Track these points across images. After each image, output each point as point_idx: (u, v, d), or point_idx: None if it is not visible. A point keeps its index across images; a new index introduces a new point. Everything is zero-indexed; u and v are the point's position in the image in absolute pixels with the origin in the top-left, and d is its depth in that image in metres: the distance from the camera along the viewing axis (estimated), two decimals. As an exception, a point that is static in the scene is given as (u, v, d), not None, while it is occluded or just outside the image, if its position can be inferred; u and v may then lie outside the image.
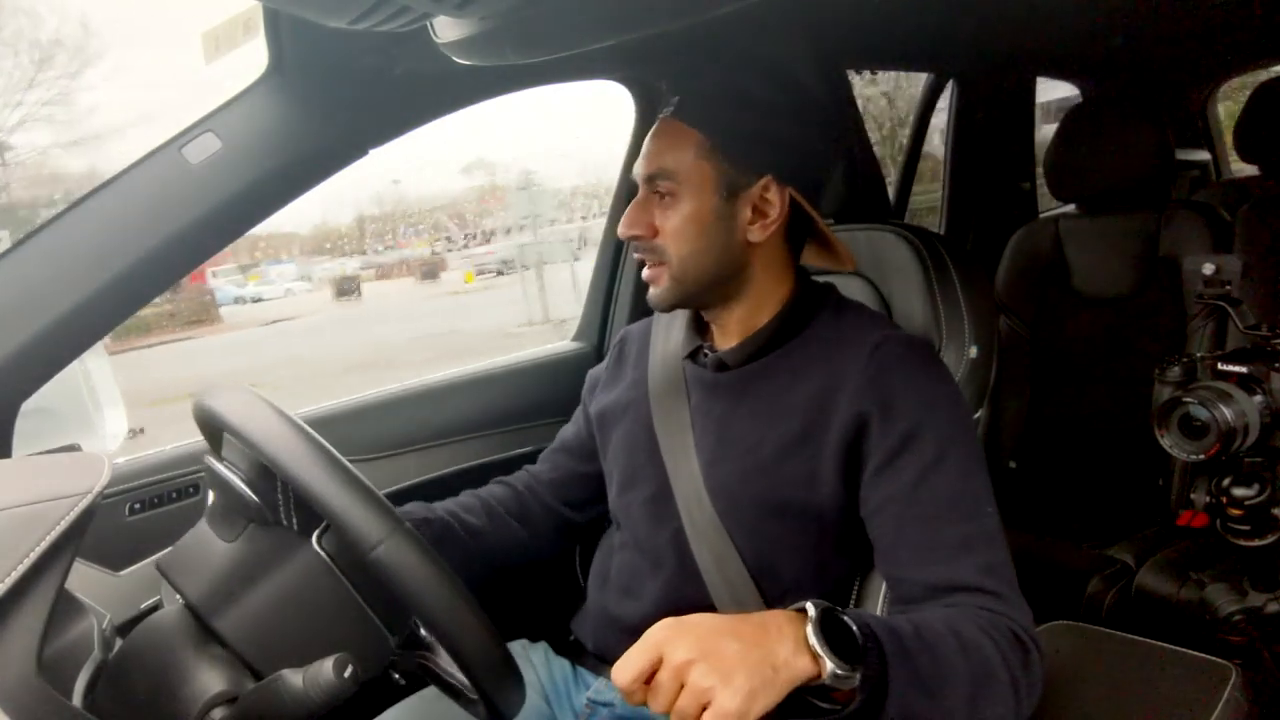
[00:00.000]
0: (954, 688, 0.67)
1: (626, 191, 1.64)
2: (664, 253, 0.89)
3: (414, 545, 0.61)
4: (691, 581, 0.91)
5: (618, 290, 1.67)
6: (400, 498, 1.26)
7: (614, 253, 1.66)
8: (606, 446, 1.05)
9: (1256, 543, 1.13)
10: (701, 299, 0.93)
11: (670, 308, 0.94)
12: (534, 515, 1.10)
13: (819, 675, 0.63)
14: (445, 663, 0.76)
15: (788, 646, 0.63)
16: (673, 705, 0.61)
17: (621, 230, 0.91)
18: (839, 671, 0.63)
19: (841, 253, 0.95)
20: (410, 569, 0.60)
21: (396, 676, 0.80)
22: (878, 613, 0.88)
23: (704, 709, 0.59)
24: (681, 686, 0.60)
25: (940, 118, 2.36)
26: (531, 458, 1.18)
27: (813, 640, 0.63)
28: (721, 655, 0.60)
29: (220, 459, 0.69)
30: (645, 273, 0.93)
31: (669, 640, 0.62)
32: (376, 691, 0.73)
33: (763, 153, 0.88)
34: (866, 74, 2.27)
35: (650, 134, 0.90)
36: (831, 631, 0.64)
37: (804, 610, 0.66)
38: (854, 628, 0.65)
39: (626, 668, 0.62)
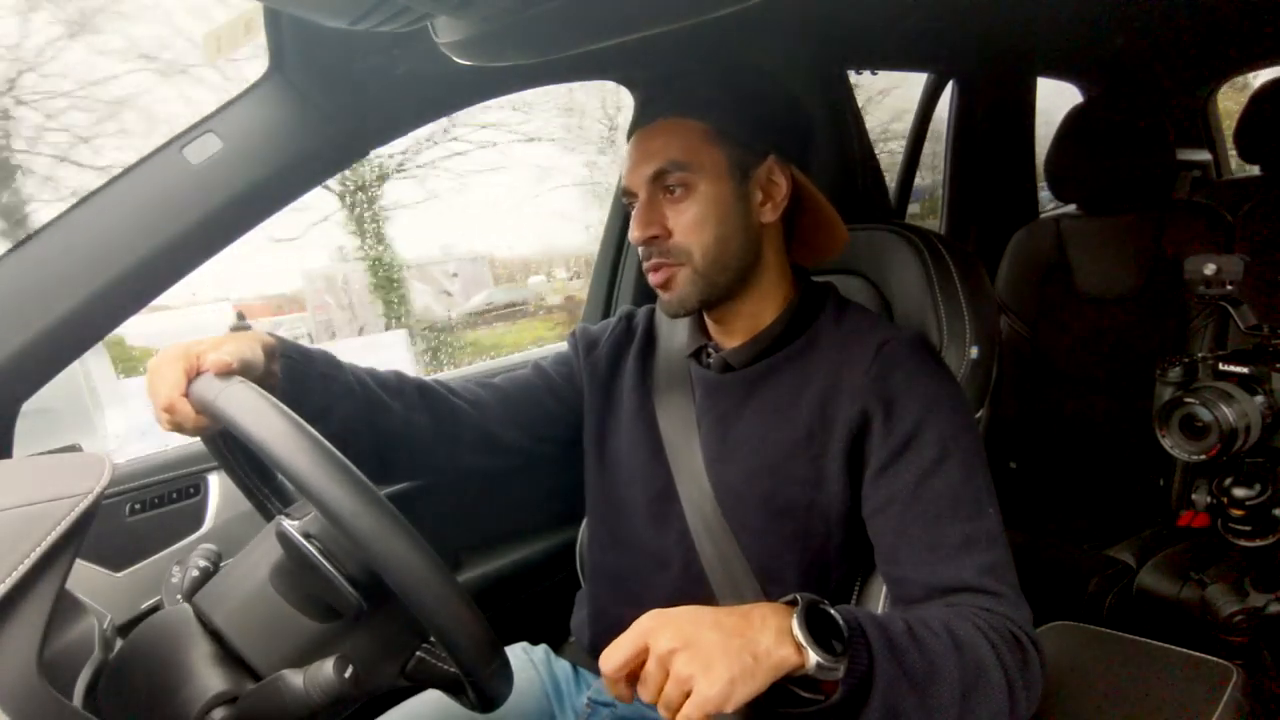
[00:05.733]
0: (943, 685, 0.67)
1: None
2: (683, 250, 0.87)
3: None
4: (697, 583, 0.91)
5: (618, 292, 1.67)
6: (402, 499, 1.27)
7: (615, 251, 1.66)
8: (602, 441, 1.03)
9: (1258, 543, 1.13)
10: (723, 292, 0.89)
11: (692, 309, 0.90)
12: (461, 422, 0.98)
13: (803, 666, 0.63)
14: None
15: (770, 636, 0.63)
16: (660, 694, 0.61)
17: (635, 235, 0.87)
18: (822, 663, 0.63)
19: (837, 234, 0.96)
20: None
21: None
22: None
23: (686, 696, 0.60)
24: (667, 676, 0.61)
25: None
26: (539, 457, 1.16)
27: (796, 631, 0.64)
28: (702, 644, 0.61)
29: (309, 539, 0.65)
30: (658, 278, 0.89)
31: (653, 631, 0.63)
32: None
33: (765, 131, 0.89)
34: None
35: (643, 137, 0.89)
36: (818, 624, 0.65)
37: (793, 602, 0.66)
38: (840, 621, 0.66)
39: (612, 657, 0.63)
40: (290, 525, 0.65)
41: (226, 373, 0.70)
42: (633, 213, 0.89)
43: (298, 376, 0.84)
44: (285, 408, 0.64)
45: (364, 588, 0.65)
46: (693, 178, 0.86)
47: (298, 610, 0.66)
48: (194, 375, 0.71)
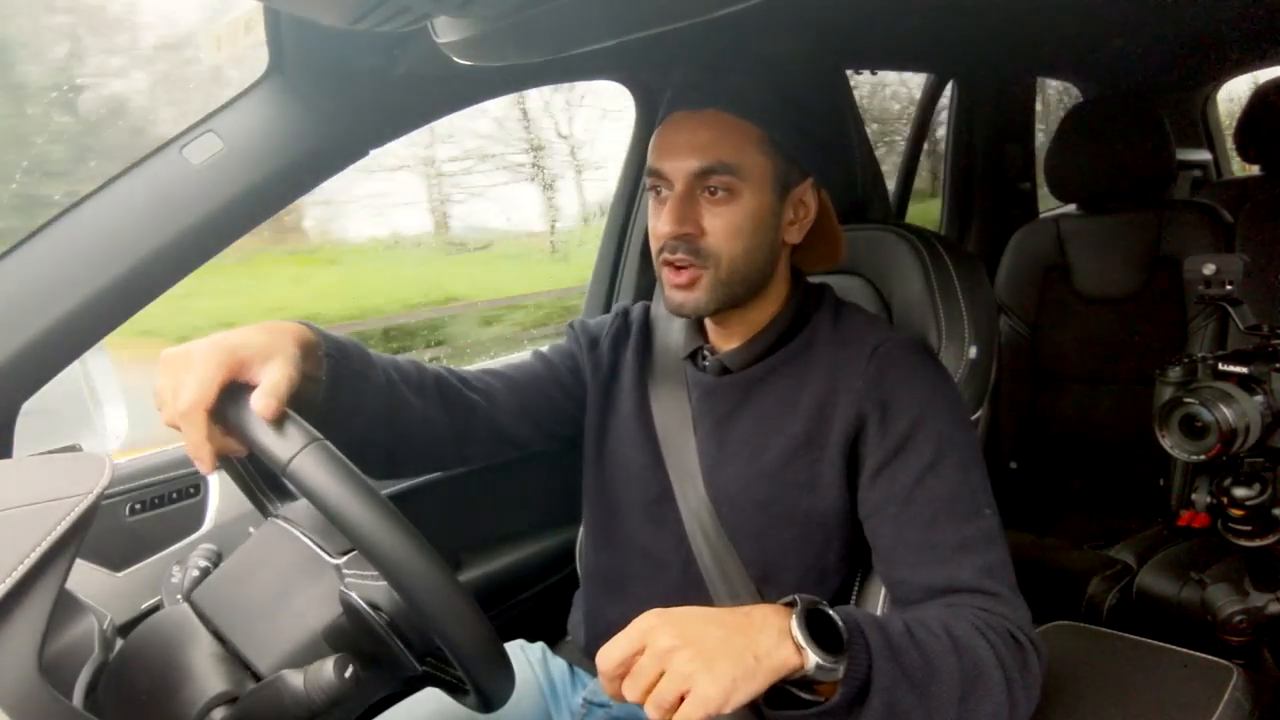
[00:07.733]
0: (943, 686, 0.67)
1: (631, 188, 1.64)
2: (709, 253, 0.84)
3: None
4: (694, 586, 0.91)
5: (619, 288, 1.67)
6: (401, 497, 1.27)
7: (617, 247, 1.66)
8: (602, 440, 1.02)
9: (1258, 543, 1.13)
10: (736, 301, 0.88)
11: (709, 313, 0.88)
12: (474, 418, 0.96)
13: (803, 667, 0.63)
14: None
15: (771, 637, 0.63)
16: (649, 693, 0.60)
17: (666, 229, 0.83)
18: (822, 664, 0.63)
19: (839, 250, 0.96)
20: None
21: None
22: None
23: (683, 696, 0.59)
24: (661, 674, 0.60)
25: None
26: (539, 456, 1.15)
27: (796, 632, 0.64)
28: (704, 643, 0.61)
29: (377, 612, 0.63)
30: (679, 277, 0.85)
31: (653, 629, 0.62)
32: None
33: (811, 152, 0.88)
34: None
35: (690, 124, 0.84)
36: (818, 625, 0.65)
37: (792, 603, 0.66)
38: (839, 622, 0.66)
39: (610, 654, 0.62)
40: (355, 594, 0.63)
41: (280, 417, 0.63)
42: (666, 203, 0.85)
43: (336, 376, 0.79)
44: (367, 480, 0.61)
45: (422, 655, 0.65)
46: (739, 184, 0.83)
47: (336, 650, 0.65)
48: (229, 383, 0.65)
